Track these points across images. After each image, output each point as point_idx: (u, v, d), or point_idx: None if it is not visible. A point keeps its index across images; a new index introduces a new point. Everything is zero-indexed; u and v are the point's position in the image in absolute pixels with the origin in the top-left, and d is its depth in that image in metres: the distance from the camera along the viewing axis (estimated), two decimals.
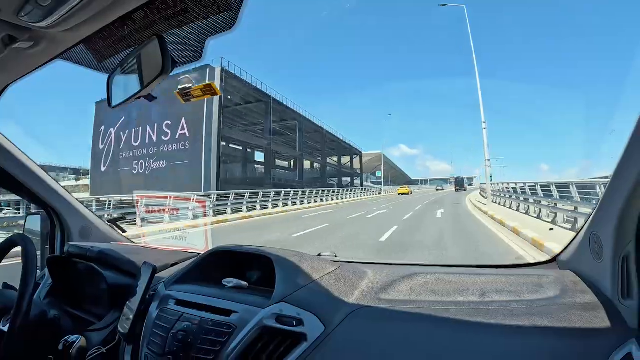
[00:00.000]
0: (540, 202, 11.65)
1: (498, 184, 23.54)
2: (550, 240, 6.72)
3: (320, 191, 28.95)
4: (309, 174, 48.34)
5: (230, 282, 1.28)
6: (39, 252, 1.86)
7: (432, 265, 1.51)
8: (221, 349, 1.07)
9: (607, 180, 0.95)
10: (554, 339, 0.90)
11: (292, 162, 48.52)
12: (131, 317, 1.22)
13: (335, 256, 1.60)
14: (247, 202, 19.44)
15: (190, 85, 1.39)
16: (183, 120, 26.86)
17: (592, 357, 0.84)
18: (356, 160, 61.82)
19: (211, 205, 17.09)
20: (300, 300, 1.11)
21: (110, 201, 16.16)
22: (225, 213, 17.88)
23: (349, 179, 61.15)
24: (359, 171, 63.30)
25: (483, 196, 24.52)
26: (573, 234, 1.29)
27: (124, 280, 1.43)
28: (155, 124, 28.10)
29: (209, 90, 1.40)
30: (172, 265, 1.60)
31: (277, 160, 45.93)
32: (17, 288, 1.18)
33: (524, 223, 9.74)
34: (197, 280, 1.35)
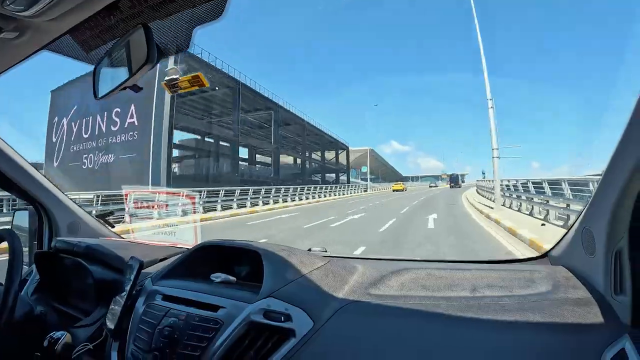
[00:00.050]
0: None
1: (492, 181, 22.29)
2: None
3: (298, 189, 25.43)
4: (288, 170, 45.85)
5: (218, 277, 1.27)
6: (27, 248, 1.84)
7: (422, 260, 1.51)
8: (208, 344, 1.05)
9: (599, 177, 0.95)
10: (546, 334, 0.90)
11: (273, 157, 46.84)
12: (118, 312, 1.21)
13: (325, 251, 1.59)
14: (204, 202, 16.57)
15: (177, 76, 1.37)
16: (132, 107, 23.65)
17: (585, 352, 0.84)
18: (345, 156, 57.74)
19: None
20: (288, 295, 1.10)
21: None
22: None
23: (334, 175, 57.38)
24: (348, 167, 59.38)
25: (480, 194, 23.06)
26: None
27: (111, 276, 1.42)
28: (105, 113, 25.15)
29: (196, 81, 1.38)
30: (161, 260, 1.59)
31: (257, 156, 43.75)
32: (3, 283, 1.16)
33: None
34: (185, 276, 1.33)
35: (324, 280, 1.19)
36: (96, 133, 25.70)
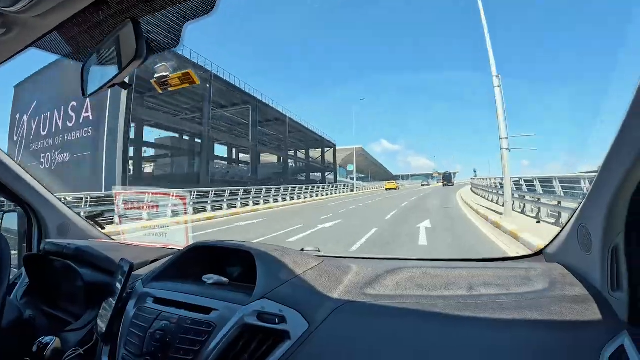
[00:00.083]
0: None
1: (487, 179, 20.94)
2: None
3: (273, 190, 23.11)
4: (270, 169, 43.37)
5: (210, 278, 1.25)
6: (16, 251, 1.82)
7: (417, 259, 1.51)
8: (201, 348, 1.03)
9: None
10: (544, 332, 0.90)
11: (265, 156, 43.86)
12: (108, 316, 1.19)
13: (319, 250, 1.58)
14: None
15: (167, 73, 1.35)
16: (88, 100, 19.97)
17: (584, 350, 0.84)
18: (332, 154, 54.56)
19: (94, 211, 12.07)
20: (282, 296, 1.08)
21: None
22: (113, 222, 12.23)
23: (321, 174, 53.65)
24: (335, 166, 55.78)
25: (476, 193, 21.98)
26: None
27: (101, 278, 1.39)
28: (62, 107, 22.59)
29: (187, 78, 1.36)
30: (152, 262, 1.57)
31: (241, 155, 42.28)
32: None
33: None
34: (176, 277, 1.31)
35: (318, 280, 1.17)
36: (53, 130, 23.47)
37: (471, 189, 27.65)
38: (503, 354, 0.88)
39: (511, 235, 7.34)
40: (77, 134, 21.85)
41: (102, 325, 1.20)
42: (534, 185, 10.77)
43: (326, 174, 53.91)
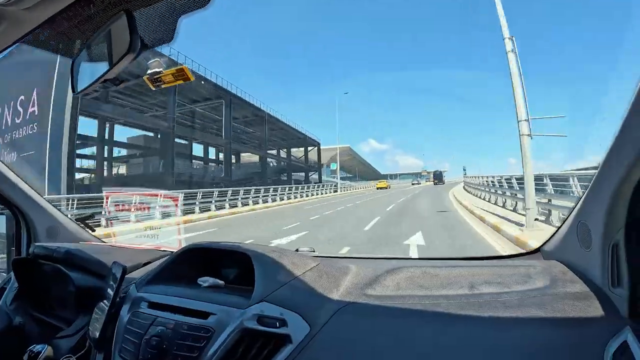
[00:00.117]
0: None
1: (479, 177, 20.44)
2: None
3: (241, 192, 20.48)
4: (247, 169, 41.39)
5: (205, 281, 1.23)
6: (4, 255, 1.78)
7: (415, 258, 1.50)
8: (199, 355, 1.01)
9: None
10: (549, 330, 0.90)
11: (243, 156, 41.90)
12: (101, 321, 1.15)
13: (314, 251, 1.57)
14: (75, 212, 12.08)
15: (160, 69, 1.31)
16: (35, 92, 18.20)
17: (588, 346, 0.84)
18: (318, 153, 51.60)
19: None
20: (282, 298, 1.06)
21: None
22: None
23: (304, 174, 50.80)
24: (319, 165, 53.20)
25: (470, 192, 20.97)
26: None
27: (92, 282, 1.36)
28: (12, 102, 19.85)
29: (181, 75, 1.33)
30: (145, 264, 1.54)
31: (220, 155, 39.35)
32: None
33: None
34: (171, 280, 1.28)
35: (317, 281, 1.16)
36: (2, 127, 20.74)
37: (464, 187, 27.24)
38: (507, 352, 0.88)
39: None
40: (23, 131, 19.29)
41: (94, 331, 1.17)
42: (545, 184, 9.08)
43: (310, 173, 51.79)
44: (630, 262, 0.85)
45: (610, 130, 0.80)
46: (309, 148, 51.09)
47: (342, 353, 0.95)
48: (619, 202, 0.84)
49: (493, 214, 10.26)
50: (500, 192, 12.95)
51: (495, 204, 13.33)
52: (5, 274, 1.69)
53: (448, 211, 12.95)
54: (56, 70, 17.26)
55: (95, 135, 25.84)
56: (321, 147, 51.13)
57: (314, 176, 51.64)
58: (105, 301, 1.18)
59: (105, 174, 27.65)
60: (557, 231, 1.27)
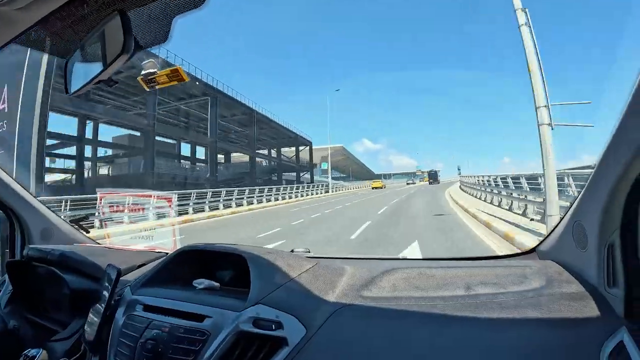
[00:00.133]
0: None
1: (474, 176, 20.00)
2: None
3: (223, 193, 18.80)
4: (236, 168, 40.01)
5: (201, 283, 1.22)
6: None
7: (410, 259, 1.50)
8: (195, 358, 1.01)
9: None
10: (545, 330, 0.90)
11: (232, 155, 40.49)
12: (96, 324, 1.15)
13: (309, 252, 1.57)
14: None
15: (154, 70, 1.30)
16: (5, 88, 17.04)
17: (584, 346, 0.84)
18: (313, 153, 50.05)
19: None
20: (278, 301, 1.06)
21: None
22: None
23: (295, 174, 48.90)
24: (311, 165, 51.50)
25: (467, 192, 20.20)
26: None
27: (87, 285, 1.35)
28: None
29: (175, 76, 1.32)
30: (139, 266, 1.54)
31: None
32: None
33: None
34: (166, 282, 1.28)
35: (313, 283, 1.15)
36: None
37: (460, 187, 26.82)
38: (503, 353, 0.88)
39: None
40: None
41: (89, 334, 1.16)
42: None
43: (302, 173, 50.32)
44: (626, 263, 0.86)
45: (606, 130, 0.80)
46: (301, 148, 49.65)
47: (338, 355, 0.95)
48: (614, 203, 0.85)
49: (500, 219, 8.99)
50: (506, 193, 12.27)
51: (500, 206, 12.08)
52: None
53: (447, 214, 11.67)
54: (25, 67, 16.73)
55: (77, 134, 25.21)
56: (314, 147, 50.03)
57: (307, 176, 50.47)
58: (100, 304, 1.17)
59: (86, 174, 27.02)
60: (552, 231, 1.27)
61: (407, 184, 59.24)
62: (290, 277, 1.17)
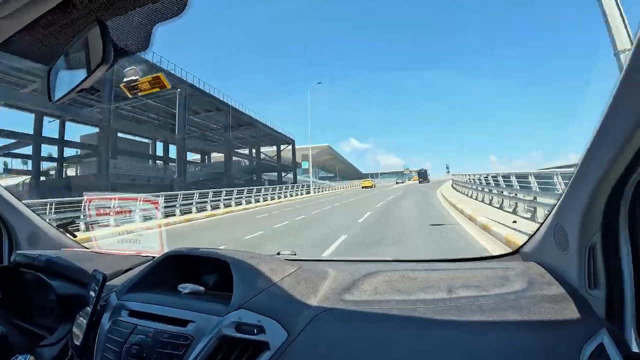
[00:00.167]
0: None
1: (466, 175, 19.13)
2: None
3: (180, 196, 16.61)
4: (210, 168, 38.15)
5: (186, 287, 1.23)
6: None
7: (394, 261, 1.50)
8: None
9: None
10: (525, 333, 0.90)
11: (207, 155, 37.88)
12: (82, 330, 1.15)
13: (295, 254, 1.58)
14: None
15: (137, 77, 1.31)
16: None
17: (564, 349, 0.85)
18: (292, 152, 47.98)
19: None
20: (260, 305, 1.07)
21: None
22: None
23: (279, 174, 47.10)
24: (294, 165, 48.84)
25: (462, 192, 18.66)
26: None
27: (74, 290, 1.35)
28: None
29: (157, 83, 1.33)
30: (126, 271, 1.53)
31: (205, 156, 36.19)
32: None
33: None
34: (151, 287, 1.28)
35: (295, 287, 1.16)
36: None
37: (452, 185, 26.22)
38: (484, 356, 0.88)
39: None
40: None
41: (76, 339, 1.16)
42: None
43: (285, 173, 48.25)
44: (607, 264, 0.86)
45: (587, 130, 0.80)
46: (283, 146, 47.52)
47: (319, 359, 0.95)
48: (595, 205, 0.85)
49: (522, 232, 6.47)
50: (508, 193, 10.67)
51: (515, 213, 9.66)
52: None
53: (447, 224, 8.87)
54: None
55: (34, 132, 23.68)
56: (300, 147, 48.28)
57: (290, 176, 48.17)
58: (86, 309, 1.17)
59: (42, 177, 25.65)
60: (535, 232, 1.28)
61: (397, 183, 59.13)
62: (272, 281, 1.18)
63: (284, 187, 29.37)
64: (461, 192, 18.17)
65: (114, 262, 1.61)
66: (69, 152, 27.70)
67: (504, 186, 11.37)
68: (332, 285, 1.20)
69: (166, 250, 1.41)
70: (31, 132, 23.93)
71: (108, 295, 1.27)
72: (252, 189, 23.43)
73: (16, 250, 1.64)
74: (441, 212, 12.22)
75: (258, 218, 14.16)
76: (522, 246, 1.38)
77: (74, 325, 1.19)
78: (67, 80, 0.83)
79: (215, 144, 38.55)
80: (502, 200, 11.30)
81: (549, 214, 1.15)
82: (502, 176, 11.74)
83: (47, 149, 26.63)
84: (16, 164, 28.70)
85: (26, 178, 26.86)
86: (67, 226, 1.95)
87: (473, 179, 17.19)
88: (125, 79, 1.29)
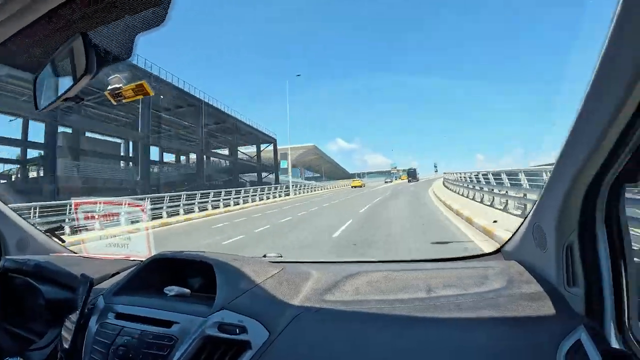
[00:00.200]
0: None
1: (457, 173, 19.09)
2: None
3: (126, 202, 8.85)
4: (177, 170, 35.56)
5: (171, 290, 1.25)
6: None
7: (378, 261, 1.52)
8: None
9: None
10: (503, 330, 0.92)
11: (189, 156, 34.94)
12: (71, 333, 1.16)
13: (280, 256, 1.60)
14: None
15: (120, 85, 1.32)
16: None
17: (541, 345, 0.86)
18: (274, 151, 46.12)
19: None
20: (242, 306, 1.09)
21: None
22: None
23: (259, 174, 44.86)
24: (276, 165, 46.63)
25: (455, 191, 18.05)
26: None
27: (63, 294, 1.36)
28: None
29: (140, 90, 1.34)
30: (113, 274, 1.55)
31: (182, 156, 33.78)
32: None
33: None
34: (138, 290, 1.30)
35: (278, 288, 1.19)
36: None
37: (443, 183, 25.78)
38: (461, 354, 0.90)
39: None
40: None
41: (65, 343, 1.17)
42: None
43: (266, 174, 45.94)
44: (585, 262, 0.88)
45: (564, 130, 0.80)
46: (264, 146, 45.11)
47: (299, 358, 0.97)
48: (571, 204, 0.87)
49: None
50: (514, 194, 9.75)
51: (505, 209, 9.53)
52: None
53: (456, 241, 6.70)
54: None
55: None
56: (286, 147, 45.32)
57: (272, 176, 45.58)
58: (74, 313, 1.19)
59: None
60: (516, 232, 1.30)
61: (386, 182, 58.64)
62: (255, 282, 1.20)
63: (258, 189, 26.53)
64: (460, 194, 16.78)
65: (102, 266, 1.62)
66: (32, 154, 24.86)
67: (494, 184, 11.39)
68: (314, 286, 1.22)
69: (153, 254, 1.43)
70: None
71: (95, 298, 1.29)
72: (221, 192, 21.09)
73: (5, 256, 1.65)
74: (438, 217, 10.27)
75: (214, 229, 11.65)
76: (503, 245, 1.40)
77: (63, 329, 1.21)
78: (53, 89, 0.85)
79: (193, 144, 35.81)
80: (493, 198, 11.27)
81: (529, 213, 1.17)
82: (492, 174, 11.76)
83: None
84: None
85: None
86: (54, 231, 1.96)
87: (464, 177, 17.02)
88: (109, 87, 1.31)
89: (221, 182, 33.11)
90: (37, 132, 23.42)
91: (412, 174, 54.71)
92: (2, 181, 24.45)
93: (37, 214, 11.54)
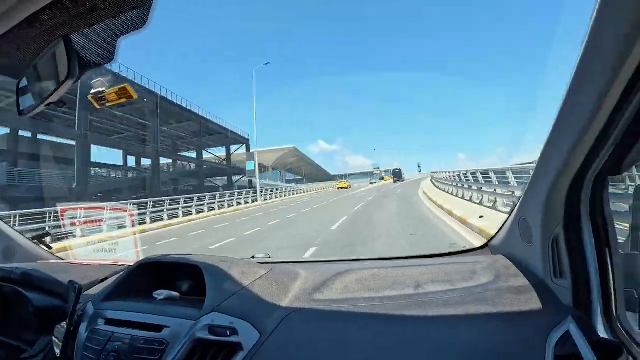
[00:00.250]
0: None
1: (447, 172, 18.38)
2: None
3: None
4: (137, 173, 32.26)
5: (160, 294, 1.25)
6: None
7: (367, 259, 1.52)
8: None
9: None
10: (491, 324, 0.93)
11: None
12: (62, 341, 1.16)
13: (269, 257, 1.60)
14: None
15: (103, 89, 1.32)
16: None
17: (530, 338, 0.87)
18: (247, 153, 39.18)
19: None
20: (232, 308, 1.09)
21: None
22: None
23: (229, 177, 41.95)
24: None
25: (443, 189, 17.59)
26: None
27: (52, 302, 1.35)
28: None
29: (124, 93, 1.35)
30: (102, 280, 1.54)
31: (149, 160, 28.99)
32: None
33: None
34: (127, 295, 1.29)
35: (267, 289, 1.19)
36: None
37: (431, 180, 25.29)
38: (451, 349, 0.90)
39: None
40: None
41: (56, 350, 1.16)
42: None
43: (239, 177, 42.36)
44: (571, 254, 0.89)
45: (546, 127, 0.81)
46: (235, 147, 41.97)
47: (290, 358, 0.98)
48: (555, 198, 0.88)
49: None
50: (502, 192, 9.50)
51: (495, 208, 9.24)
52: None
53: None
54: None
55: None
56: (264, 149, 43.83)
57: (246, 179, 39.58)
58: (64, 321, 1.18)
59: None
60: (502, 226, 1.31)
61: (371, 183, 57.27)
62: (244, 284, 1.20)
63: (217, 195, 22.68)
64: (455, 195, 15.46)
65: (90, 272, 1.61)
66: None
67: (483, 182, 11.28)
68: (302, 285, 1.23)
69: (142, 258, 1.42)
70: None
71: (85, 305, 1.28)
72: (164, 201, 17.60)
73: None
74: (444, 230, 8.05)
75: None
76: (490, 239, 1.41)
77: (53, 337, 1.20)
78: (36, 93, 0.84)
79: (151, 145, 30.66)
80: (482, 196, 11.23)
81: (514, 207, 1.18)
82: (480, 172, 11.73)
83: None
84: None
85: None
86: (42, 238, 1.94)
87: (453, 176, 16.87)
88: (92, 91, 1.30)
89: (189, 187, 31.05)
90: None
91: (397, 175, 54.36)
92: None
93: None
